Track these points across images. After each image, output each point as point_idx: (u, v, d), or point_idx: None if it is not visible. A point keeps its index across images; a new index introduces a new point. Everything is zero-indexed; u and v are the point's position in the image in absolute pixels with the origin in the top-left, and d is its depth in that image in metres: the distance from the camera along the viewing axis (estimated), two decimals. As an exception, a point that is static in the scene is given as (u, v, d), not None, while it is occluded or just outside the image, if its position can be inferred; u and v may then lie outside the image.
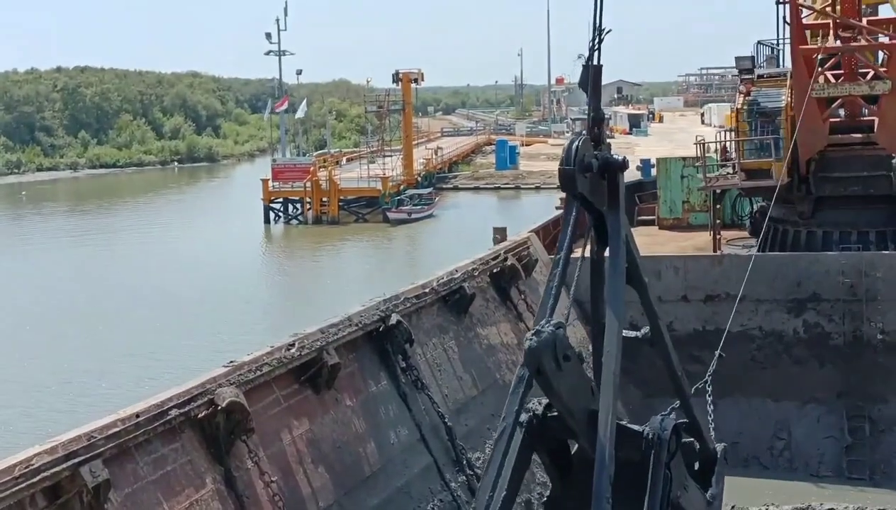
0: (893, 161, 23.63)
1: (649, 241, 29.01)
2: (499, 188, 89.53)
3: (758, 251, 25.74)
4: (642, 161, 36.21)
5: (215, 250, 60.31)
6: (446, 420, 17.26)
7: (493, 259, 21.70)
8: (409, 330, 17.13)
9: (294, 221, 72.84)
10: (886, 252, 23.42)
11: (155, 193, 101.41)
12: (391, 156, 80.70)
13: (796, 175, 24.46)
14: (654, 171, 34.15)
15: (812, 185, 24.55)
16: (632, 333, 9.87)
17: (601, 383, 8.79)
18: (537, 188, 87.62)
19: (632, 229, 32.03)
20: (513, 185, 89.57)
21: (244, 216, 73.59)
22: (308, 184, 70.51)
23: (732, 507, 17.84)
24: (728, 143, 27.50)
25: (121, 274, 53.98)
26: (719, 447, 10.15)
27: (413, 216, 69.94)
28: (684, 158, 31.23)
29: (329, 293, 48.67)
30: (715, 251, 25.99)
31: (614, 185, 9.53)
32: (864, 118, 24.47)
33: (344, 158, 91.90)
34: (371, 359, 16.82)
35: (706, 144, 26.26)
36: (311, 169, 71.53)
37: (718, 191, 26.36)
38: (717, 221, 26.46)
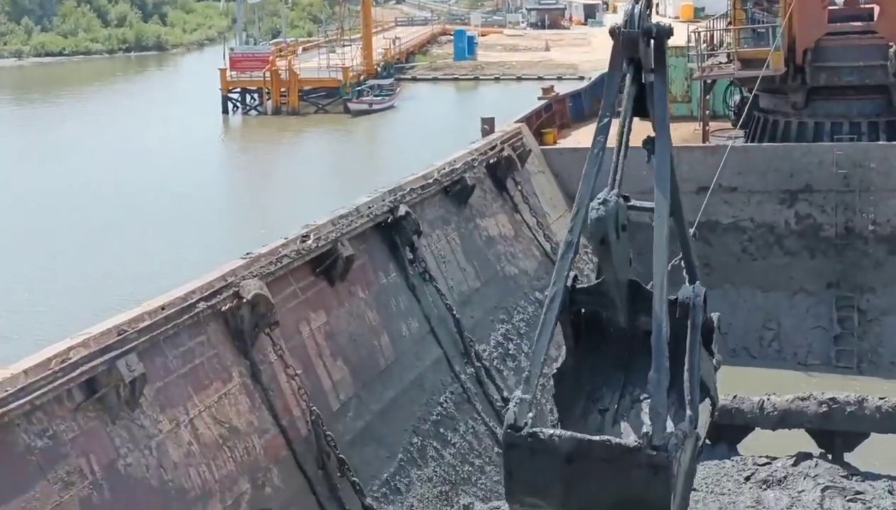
0: (892, 50, 23.45)
1: (633, 133, 28.75)
2: (457, 79, 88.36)
3: (746, 142, 25.63)
4: (623, 51, 35.60)
5: (172, 142, 58.98)
6: (454, 312, 17.14)
7: (490, 149, 21.39)
8: (417, 221, 16.89)
9: (253, 112, 71.55)
10: (881, 142, 23.43)
11: (106, 83, 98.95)
12: (349, 45, 79.21)
13: (791, 64, 24.22)
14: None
15: (808, 74, 24.33)
16: (648, 204, 9.91)
17: (654, 241, 8.88)
18: (496, 79, 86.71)
19: (612, 120, 31.46)
20: (472, 76, 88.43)
21: (201, 106, 72.06)
22: (267, 73, 69.07)
23: (734, 396, 17.94)
24: (715, 32, 27.12)
25: (75, 168, 52.25)
26: (714, 316, 10.33)
27: (374, 107, 68.92)
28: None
29: (297, 188, 48.18)
30: (704, 142, 25.83)
31: (661, 51, 9.45)
32: (864, 6, 24.21)
33: (300, 48, 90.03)
34: (380, 251, 16.60)
35: (700, 33, 25.87)
36: (270, 58, 70.01)
37: (710, 81, 26.10)
38: (707, 112, 26.23)
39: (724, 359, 22.85)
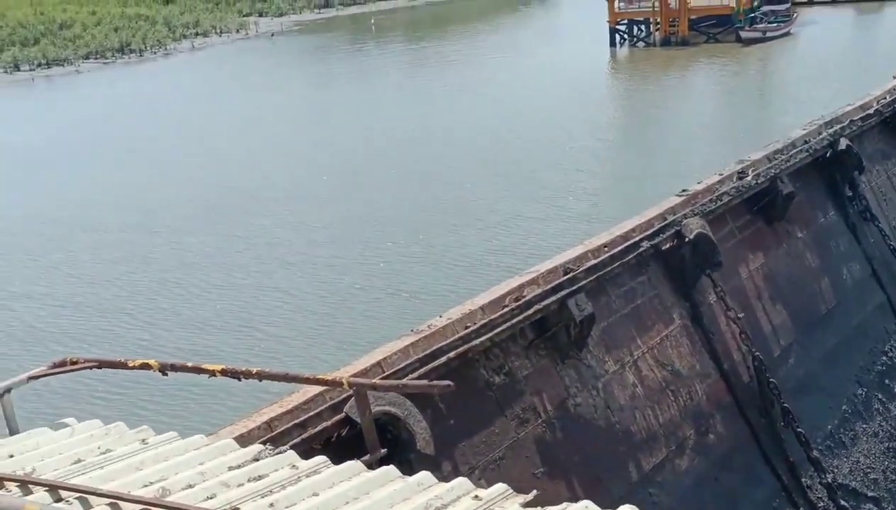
0: None
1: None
2: (859, 0, 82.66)
3: None
4: None
5: (562, 78, 59.27)
6: (899, 254, 15.78)
7: (935, 75, 19.43)
8: (859, 156, 15.61)
9: (640, 44, 70.55)
10: None
11: (493, 19, 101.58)
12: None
13: None
14: None
15: None
16: None
17: None
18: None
19: None
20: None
21: (588, 40, 72.04)
22: (656, 4, 67.73)
23: None
24: None
25: (470, 104, 53.74)
26: None
27: (769, 35, 65.75)
28: None
29: (684, 126, 46.99)
30: None
31: None
32: None
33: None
34: (818, 188, 15.51)
35: None
36: (659, -13, 68.68)
37: None
38: None
39: None
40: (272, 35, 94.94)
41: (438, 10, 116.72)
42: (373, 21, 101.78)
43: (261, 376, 5.87)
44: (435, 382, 8.37)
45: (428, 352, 9.09)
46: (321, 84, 64.66)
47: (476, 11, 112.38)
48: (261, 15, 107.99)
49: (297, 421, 7.93)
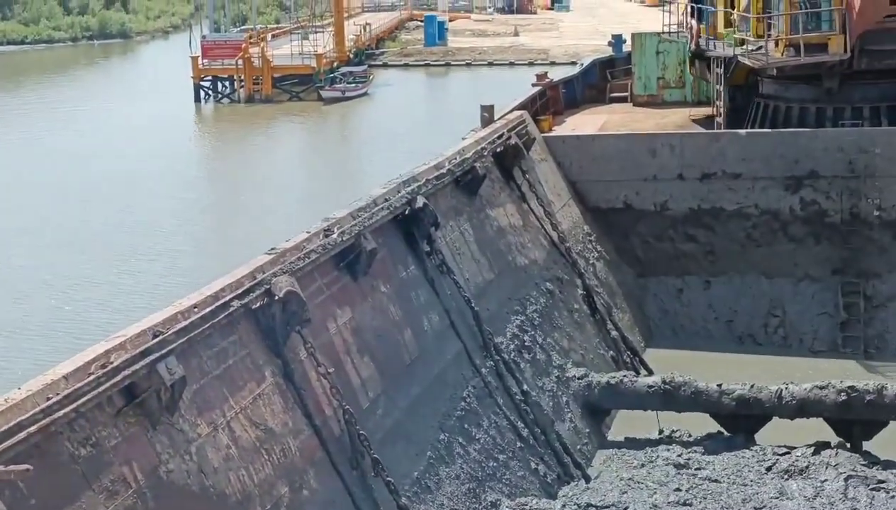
0: None
1: (627, 119, 28.53)
2: (428, 65, 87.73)
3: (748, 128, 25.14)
4: (614, 36, 35.14)
5: (144, 131, 57.86)
6: (472, 305, 16.82)
7: (498, 138, 21.04)
8: (435, 213, 16.56)
9: (225, 100, 70.61)
10: (885, 128, 23.18)
11: (71, 72, 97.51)
12: (320, 32, 78.33)
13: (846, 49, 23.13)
14: (625, 47, 33.45)
15: (856, 59, 23.11)
16: None
17: None
18: (468, 64, 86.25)
19: (605, 106, 31.09)
20: (443, 62, 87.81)
21: (172, 95, 70.91)
22: (240, 61, 68.16)
23: (752, 386, 17.79)
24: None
25: (40, 160, 50.66)
26: None
27: (347, 95, 68.17)
28: (660, 33, 30.55)
29: (272, 180, 47.55)
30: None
31: None
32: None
33: (270, 35, 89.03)
34: (398, 244, 16.25)
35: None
36: (243, 45, 69.11)
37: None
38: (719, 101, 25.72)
39: (731, 347, 22.87)
40: None
41: (9, 60, 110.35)
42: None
43: None
44: (11, 468, 7.83)
45: (4, 428, 8.50)
46: None
47: (52, 62, 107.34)
48: None
49: None
